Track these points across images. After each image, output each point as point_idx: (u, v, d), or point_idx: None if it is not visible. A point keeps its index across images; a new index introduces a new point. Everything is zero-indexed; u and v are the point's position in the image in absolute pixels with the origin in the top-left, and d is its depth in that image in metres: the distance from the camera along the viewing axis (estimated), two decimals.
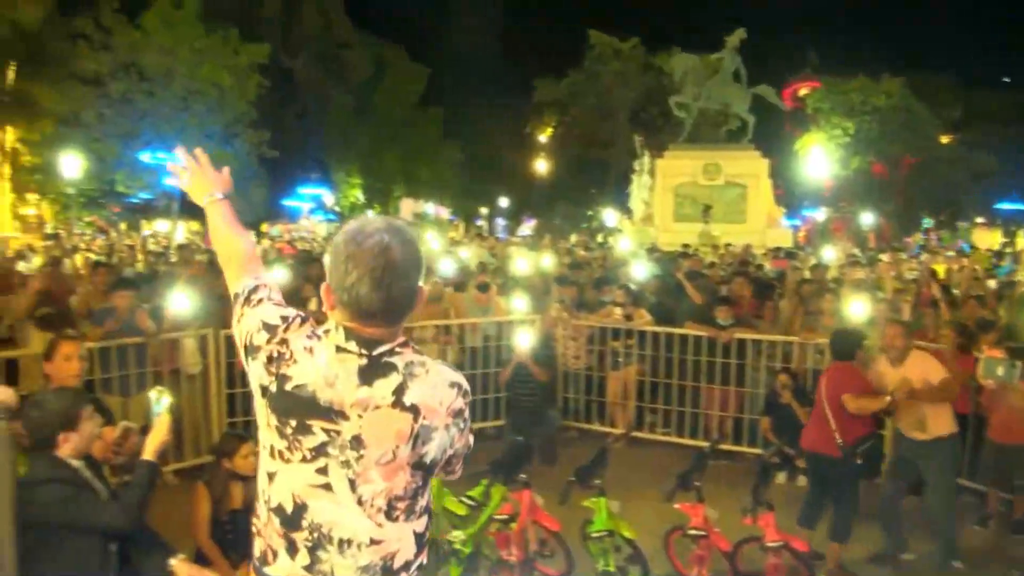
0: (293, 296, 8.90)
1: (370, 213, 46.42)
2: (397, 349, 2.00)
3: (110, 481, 3.79)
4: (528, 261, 12.68)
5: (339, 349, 1.97)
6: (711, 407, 8.68)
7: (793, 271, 12.79)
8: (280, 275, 9.60)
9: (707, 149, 26.75)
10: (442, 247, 16.52)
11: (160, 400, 3.71)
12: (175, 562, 3.52)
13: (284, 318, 2.09)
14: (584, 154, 47.91)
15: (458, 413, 2.04)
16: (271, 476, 2.03)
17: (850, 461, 5.54)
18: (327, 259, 2.00)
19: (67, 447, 3.40)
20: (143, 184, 29.64)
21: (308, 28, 39.33)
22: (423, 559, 2.11)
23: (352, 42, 40.73)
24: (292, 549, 2.01)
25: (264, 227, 36.16)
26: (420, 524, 2.07)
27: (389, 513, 1.99)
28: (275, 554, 2.03)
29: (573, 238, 30.62)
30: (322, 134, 40.34)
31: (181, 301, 7.49)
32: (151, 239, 24.60)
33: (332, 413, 1.94)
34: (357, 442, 1.94)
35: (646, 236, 23.69)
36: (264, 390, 2.00)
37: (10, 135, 28.13)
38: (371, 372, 1.95)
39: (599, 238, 30.63)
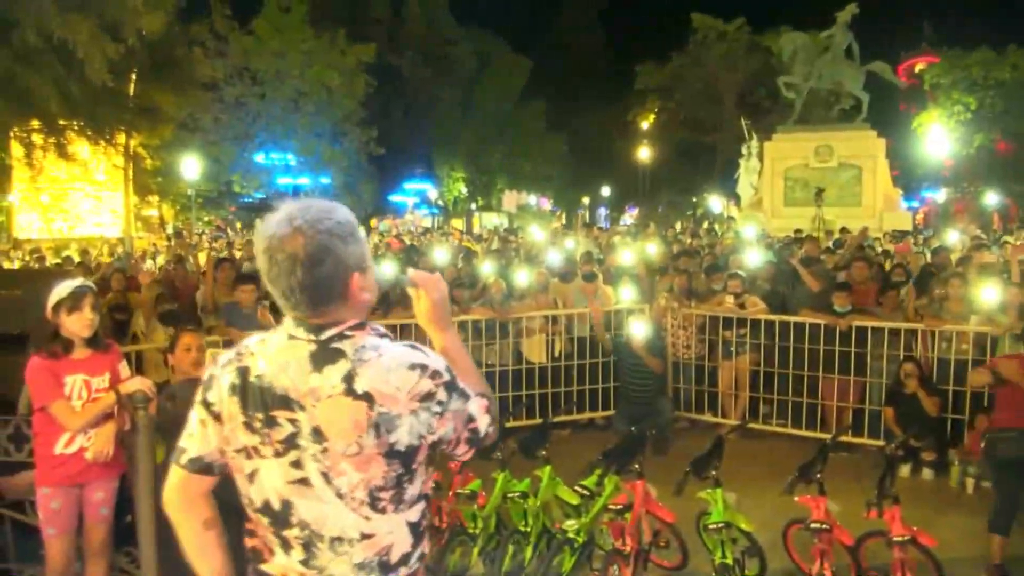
0: (404, 290, 9.08)
1: (472, 206, 47.02)
2: (347, 332, 1.90)
3: None
4: (633, 250, 12.55)
5: (290, 337, 1.92)
6: (829, 397, 8.39)
7: (915, 255, 12.26)
8: (389, 269, 9.82)
9: (818, 130, 25.89)
10: (546, 238, 16.53)
11: None
12: None
13: None
14: (688, 140, 47.20)
15: (426, 396, 1.89)
16: (251, 477, 1.97)
17: None
18: None
19: None
20: (257, 184, 30.93)
21: (413, 26, 40.02)
22: (424, 549, 2.03)
23: (456, 38, 41.20)
24: (286, 545, 1.95)
25: (373, 222, 37.07)
26: (414, 513, 1.97)
27: (374, 505, 1.90)
28: (271, 552, 1.99)
29: (678, 226, 30.20)
30: (428, 130, 41.02)
31: None
32: None
33: (290, 402, 1.88)
34: (318, 434, 1.86)
35: (756, 222, 23.13)
36: (233, 388, 1.94)
37: (133, 140, 29.70)
38: (320, 359, 1.88)
39: (705, 225, 30.06)
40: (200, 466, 2.03)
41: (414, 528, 1.98)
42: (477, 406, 2.01)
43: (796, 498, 4.94)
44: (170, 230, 29.89)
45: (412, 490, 1.95)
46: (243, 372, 1.94)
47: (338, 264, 1.87)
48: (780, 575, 5.24)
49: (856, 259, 9.90)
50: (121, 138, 29.36)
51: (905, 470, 7.34)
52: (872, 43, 27.01)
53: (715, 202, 42.15)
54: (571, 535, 5.05)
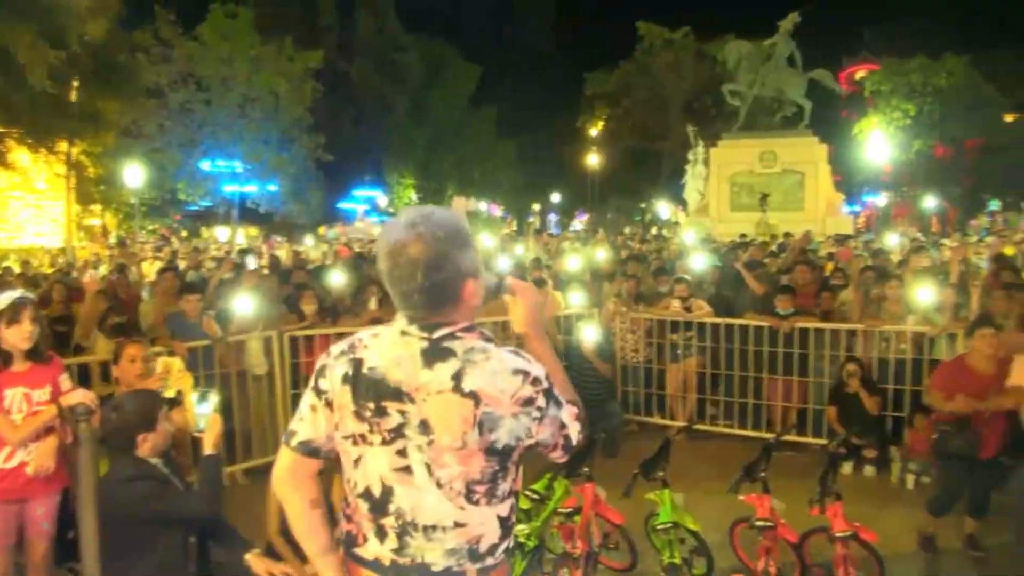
0: (355, 297, 9.05)
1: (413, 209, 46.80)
2: (458, 334, 2.02)
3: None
4: (582, 256, 12.66)
5: (402, 333, 2.03)
6: (774, 398, 8.55)
7: (856, 258, 12.54)
8: (338, 278, 9.78)
9: (763, 137, 26.42)
10: (496, 245, 16.56)
11: (204, 400, 3.77)
12: (250, 556, 3.60)
13: None
14: (637, 146, 47.65)
15: (527, 402, 1.99)
16: (356, 463, 2.08)
17: None
18: None
19: (146, 447, 3.52)
20: (203, 191, 30.48)
21: (362, 33, 39.81)
22: (509, 542, 2.13)
23: (406, 45, 41.10)
24: (381, 533, 2.06)
25: (321, 230, 36.75)
26: (504, 508, 2.09)
27: (469, 497, 2.01)
28: (365, 538, 2.09)
29: (627, 231, 30.49)
30: (377, 136, 40.81)
31: (245, 304, 7.66)
32: (213, 246, 25.16)
33: (401, 394, 1.99)
34: (425, 427, 1.98)
35: (702, 228, 23.48)
36: (345, 377, 2.05)
37: (75, 147, 29.08)
38: (432, 356, 1.99)
39: (653, 230, 30.43)
40: (309, 449, 2.14)
41: (503, 521, 2.09)
42: (568, 413, 2.12)
43: (741, 497, 5.03)
44: (113, 239, 29.31)
45: (504, 486, 2.07)
46: (356, 364, 2.05)
47: (456, 270, 1.98)
48: (727, 573, 5.33)
49: (799, 263, 10.10)
50: (63, 146, 28.74)
51: (847, 467, 7.53)
52: (814, 51, 27.61)
53: (663, 207, 42.65)
54: (521, 539, 5.07)
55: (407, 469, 2.02)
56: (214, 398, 3.79)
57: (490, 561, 2.07)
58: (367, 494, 2.07)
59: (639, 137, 46.92)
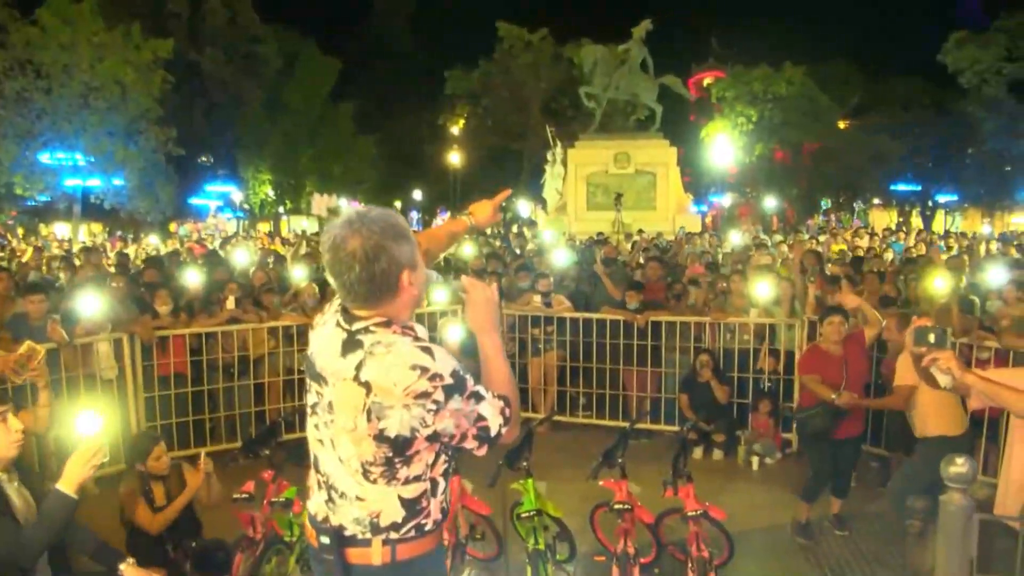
0: (209, 297, 8.77)
1: (280, 209, 45.62)
2: (372, 328, 2.19)
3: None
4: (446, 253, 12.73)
5: (337, 324, 2.26)
6: (630, 388, 8.92)
7: (702, 254, 13.22)
8: (194, 277, 9.45)
9: (617, 139, 27.17)
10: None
11: (87, 422, 3.32)
12: (124, 567, 3.40)
13: None
14: (497, 145, 48.03)
15: (421, 395, 2.09)
16: (312, 428, 2.36)
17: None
18: None
19: None
20: (42, 185, 28.52)
21: (214, 22, 38.25)
22: (420, 522, 2.27)
23: (261, 36, 39.78)
24: (319, 486, 2.35)
25: (172, 226, 35.18)
26: (408, 491, 2.23)
27: (366, 475, 2.20)
28: (312, 490, 2.41)
29: (488, 229, 30.73)
30: (231, 129, 39.38)
31: (92, 305, 7.30)
32: (55, 243, 23.66)
33: (321, 378, 2.26)
34: (330, 407, 2.22)
35: (560, 226, 24.00)
36: (303, 357, 2.50)
37: None
38: (347, 346, 2.19)
39: (514, 228, 30.83)
40: None
41: (408, 504, 2.23)
42: (491, 407, 2.23)
43: (601, 482, 5.25)
44: None
45: (406, 471, 2.20)
46: (311, 347, 2.36)
47: (392, 261, 2.14)
48: (589, 555, 5.56)
49: (650, 259, 10.55)
50: None
51: (698, 452, 7.98)
52: (665, 57, 28.72)
53: (523, 206, 43.24)
54: None
55: (321, 441, 2.30)
56: (98, 422, 3.35)
57: (394, 535, 2.24)
58: (310, 453, 2.38)
59: (500, 136, 47.32)
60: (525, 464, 5.21)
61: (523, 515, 5.14)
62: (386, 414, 2.10)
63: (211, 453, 5.61)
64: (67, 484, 3.14)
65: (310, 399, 2.32)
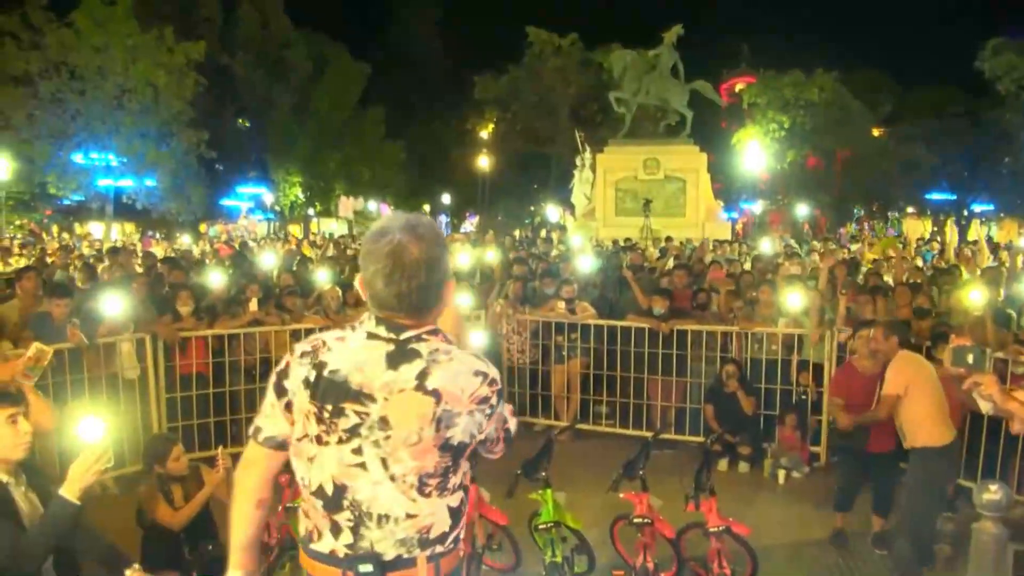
0: (235, 298, 8.78)
1: (310, 211, 45.93)
2: (424, 336, 2.14)
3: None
4: (471, 257, 12.69)
5: (370, 335, 2.14)
6: (654, 398, 8.77)
7: (730, 263, 13.04)
8: (217, 278, 9.47)
9: (646, 144, 27.00)
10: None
11: (90, 428, 3.25)
12: (130, 572, 3.29)
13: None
14: (526, 150, 48.00)
15: (483, 400, 2.13)
16: (311, 460, 2.17)
17: None
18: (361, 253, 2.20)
19: None
20: (75, 185, 28.95)
21: (246, 26, 38.65)
22: (460, 532, 2.24)
23: (291, 40, 40.12)
24: (335, 529, 2.16)
25: (202, 227, 35.52)
26: (455, 499, 2.20)
27: (421, 489, 2.12)
28: (320, 534, 2.19)
29: (517, 233, 30.72)
30: (262, 133, 39.72)
31: (116, 305, 7.31)
32: (85, 243, 23.93)
33: (362, 396, 2.09)
34: (384, 423, 2.08)
35: (588, 231, 23.87)
36: (306, 382, 2.14)
37: None
38: (397, 357, 2.10)
39: (542, 233, 30.77)
40: (275, 444, 2.26)
41: (454, 512, 2.20)
42: (507, 409, 2.32)
43: (621, 495, 5.14)
44: None
45: (455, 480, 2.19)
46: (319, 367, 2.14)
47: (445, 271, 2.16)
48: (608, 569, 5.43)
49: (677, 267, 10.40)
50: None
51: (722, 464, 7.81)
52: (696, 63, 28.49)
53: (552, 211, 43.16)
54: None
55: (362, 466, 2.11)
56: (100, 427, 3.26)
57: (439, 548, 2.18)
58: (320, 492, 2.15)
59: (528, 141, 47.27)
60: (544, 474, 5.13)
61: (541, 526, 5.05)
62: (455, 422, 2.10)
63: (230, 455, 5.57)
64: (70, 490, 3.09)
65: (342, 424, 2.10)
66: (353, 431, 2.10)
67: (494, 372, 2.19)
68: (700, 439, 8.08)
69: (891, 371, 5.53)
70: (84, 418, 3.29)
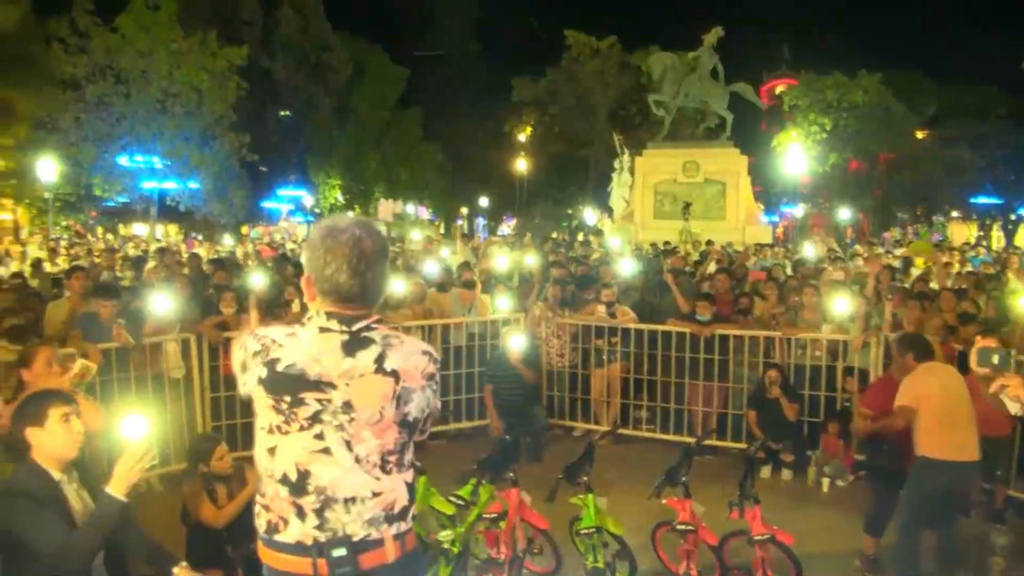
0: (276, 300, 8.86)
1: (349, 214, 46.31)
2: (373, 325, 2.32)
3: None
4: (510, 260, 12.69)
5: (322, 330, 2.28)
6: (695, 403, 8.70)
7: (774, 267, 12.88)
8: (259, 279, 9.55)
9: (686, 147, 26.82)
10: (419, 243, 16.45)
11: (134, 425, 3.25)
12: (178, 570, 3.33)
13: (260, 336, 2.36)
14: (564, 153, 47.89)
15: (431, 376, 2.36)
16: (272, 451, 2.28)
17: None
18: (304, 255, 2.37)
19: (39, 451, 3.19)
20: (120, 187, 29.48)
21: (287, 30, 39.12)
22: (414, 508, 2.39)
23: (332, 44, 40.51)
24: (301, 514, 2.24)
25: (244, 229, 35.97)
26: (409, 475, 2.37)
27: (383, 467, 2.28)
28: (285, 522, 2.26)
29: (555, 236, 30.66)
30: (303, 136, 40.14)
31: (162, 305, 7.42)
32: (130, 244, 24.37)
33: (321, 384, 2.24)
34: (348, 407, 2.24)
35: (627, 234, 23.76)
36: (260, 380, 2.27)
37: None
38: (353, 345, 2.27)
39: (580, 236, 30.68)
40: None
41: (410, 488, 2.37)
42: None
43: (663, 501, 5.10)
44: (24, 235, 28.14)
45: (408, 456, 2.37)
46: (271, 364, 2.26)
47: (386, 265, 2.36)
48: None
49: (719, 271, 10.30)
50: None
51: (766, 471, 7.72)
52: (736, 65, 28.23)
53: (589, 214, 43.05)
54: (446, 545, 5.05)
55: (325, 451, 2.24)
56: (144, 425, 3.27)
57: (403, 526, 2.32)
58: (285, 479, 2.25)
59: (566, 144, 47.18)
60: (585, 478, 5.10)
61: (582, 531, 5.02)
62: (411, 398, 2.29)
63: None
64: (116, 487, 3.10)
65: (303, 412, 2.23)
66: (315, 418, 2.24)
67: (434, 350, 2.42)
68: (742, 445, 8.00)
69: (905, 382, 5.42)
70: (127, 416, 3.31)
